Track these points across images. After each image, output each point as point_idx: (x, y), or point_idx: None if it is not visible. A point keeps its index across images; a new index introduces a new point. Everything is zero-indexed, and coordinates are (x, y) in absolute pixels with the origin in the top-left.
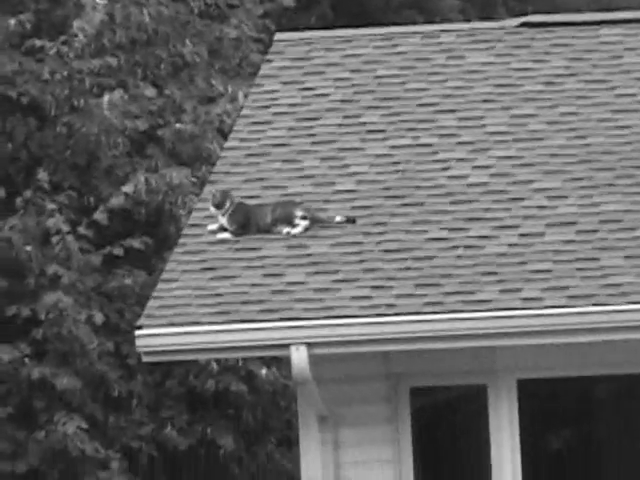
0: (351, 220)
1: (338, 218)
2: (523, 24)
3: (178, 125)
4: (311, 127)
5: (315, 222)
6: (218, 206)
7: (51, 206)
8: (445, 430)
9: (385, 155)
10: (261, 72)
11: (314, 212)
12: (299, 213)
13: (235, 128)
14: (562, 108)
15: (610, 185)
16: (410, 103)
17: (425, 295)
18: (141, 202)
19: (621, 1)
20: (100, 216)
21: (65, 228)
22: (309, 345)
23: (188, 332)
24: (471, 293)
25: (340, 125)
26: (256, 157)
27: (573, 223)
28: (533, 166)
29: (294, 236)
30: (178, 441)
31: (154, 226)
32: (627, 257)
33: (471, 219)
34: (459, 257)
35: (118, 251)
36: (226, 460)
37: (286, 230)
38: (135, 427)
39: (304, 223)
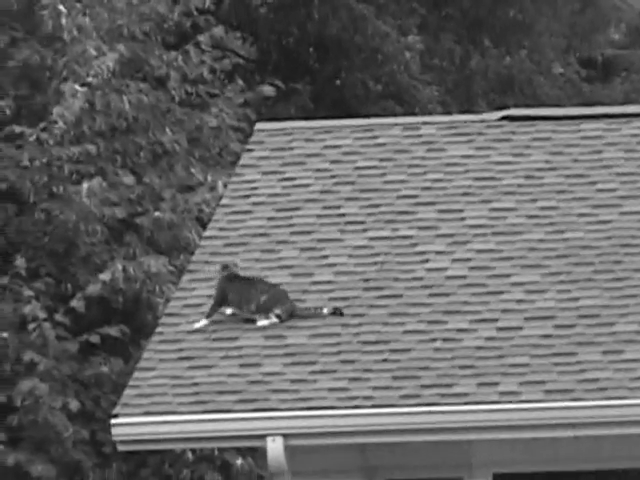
0: (339, 312)
1: (325, 310)
2: (504, 117)
3: (157, 213)
4: (290, 217)
5: (297, 317)
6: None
7: (28, 293)
8: None
9: (364, 247)
10: (241, 161)
11: (296, 309)
12: (277, 311)
13: (214, 217)
14: (541, 202)
15: (589, 280)
16: (390, 195)
17: (402, 387)
18: (118, 290)
19: (602, 96)
20: (77, 304)
21: (42, 315)
22: (285, 436)
23: (164, 421)
24: (448, 386)
25: (319, 216)
26: (235, 247)
27: (551, 317)
28: (512, 260)
29: (262, 327)
30: None
31: (131, 314)
32: (605, 352)
33: (449, 312)
34: (437, 350)
35: (95, 339)
36: None
37: (260, 322)
38: None
39: (274, 320)
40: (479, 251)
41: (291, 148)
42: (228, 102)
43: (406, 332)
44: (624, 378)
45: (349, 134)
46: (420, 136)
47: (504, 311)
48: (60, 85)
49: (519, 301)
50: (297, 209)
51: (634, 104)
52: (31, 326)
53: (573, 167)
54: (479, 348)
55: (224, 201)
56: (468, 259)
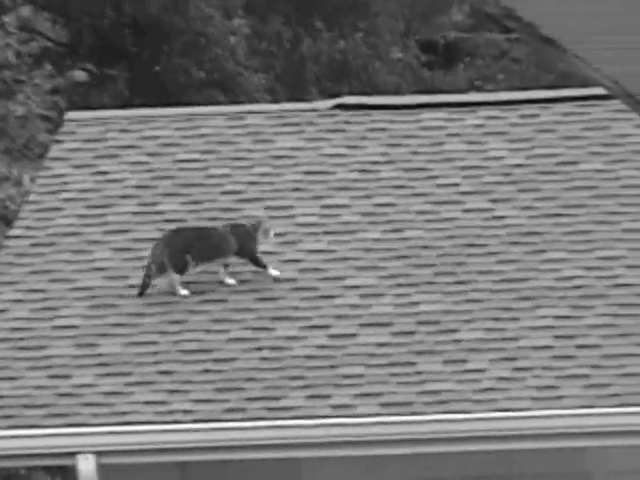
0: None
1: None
2: (337, 106)
3: None
4: (104, 215)
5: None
6: None
7: None
8: None
9: None
10: (50, 154)
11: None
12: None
13: (20, 215)
14: (378, 198)
15: (429, 283)
16: (212, 190)
17: (226, 400)
18: None
19: (444, 83)
20: None
21: None
22: (98, 454)
23: None
24: (276, 399)
25: (135, 213)
26: (43, 247)
27: (388, 324)
28: (346, 261)
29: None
30: None
31: None
32: (446, 362)
33: (277, 318)
34: (263, 359)
35: None
36: None
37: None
38: None
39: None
40: (310, 251)
41: (105, 139)
42: (36, 89)
43: (230, 340)
44: (467, 390)
45: (168, 124)
46: (246, 126)
47: (337, 317)
48: None
49: (353, 306)
50: (111, 206)
51: (479, 92)
52: None
53: (412, 160)
54: (309, 357)
55: (31, 197)
56: (298, 260)
